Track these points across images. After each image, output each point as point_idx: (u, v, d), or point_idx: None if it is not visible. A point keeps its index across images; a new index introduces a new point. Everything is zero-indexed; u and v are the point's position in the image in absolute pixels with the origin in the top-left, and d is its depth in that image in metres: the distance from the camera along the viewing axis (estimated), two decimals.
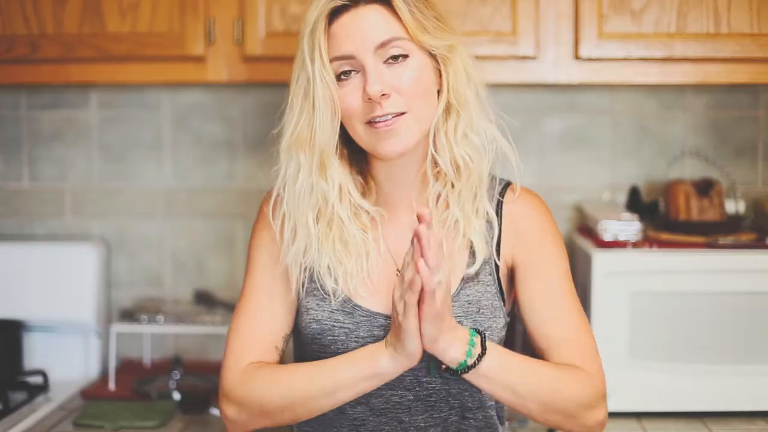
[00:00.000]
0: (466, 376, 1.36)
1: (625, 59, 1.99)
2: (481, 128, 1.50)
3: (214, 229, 2.41)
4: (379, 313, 1.46)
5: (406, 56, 1.42)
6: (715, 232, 2.10)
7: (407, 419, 1.48)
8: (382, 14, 1.42)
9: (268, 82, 2.11)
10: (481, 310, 1.47)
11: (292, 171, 1.48)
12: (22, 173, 2.44)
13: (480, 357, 1.35)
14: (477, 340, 1.36)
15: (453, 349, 1.34)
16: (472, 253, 1.50)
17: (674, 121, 2.35)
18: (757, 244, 2.06)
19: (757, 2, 1.96)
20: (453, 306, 1.43)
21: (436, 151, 1.48)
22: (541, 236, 1.54)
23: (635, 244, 2.05)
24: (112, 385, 2.20)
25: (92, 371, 2.31)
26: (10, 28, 2.03)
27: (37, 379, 2.17)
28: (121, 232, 2.43)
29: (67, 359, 2.30)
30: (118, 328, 2.26)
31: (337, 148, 1.48)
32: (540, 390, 1.39)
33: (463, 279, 1.48)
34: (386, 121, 1.40)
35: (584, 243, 2.12)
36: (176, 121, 2.40)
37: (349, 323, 1.45)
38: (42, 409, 2.05)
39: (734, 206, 2.21)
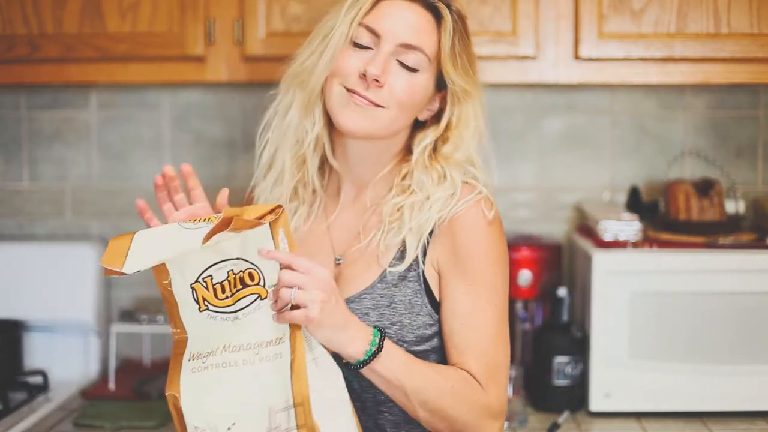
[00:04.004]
0: (362, 371, 1.37)
1: (625, 59, 1.99)
2: (459, 170, 1.51)
3: None
4: None
5: (416, 70, 1.47)
6: (715, 232, 2.10)
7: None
8: (428, 23, 1.47)
9: (268, 82, 2.11)
10: (394, 305, 1.46)
11: (285, 104, 1.55)
12: (22, 173, 2.44)
13: (375, 354, 1.35)
14: (378, 339, 1.36)
15: (351, 347, 1.35)
16: (402, 252, 1.49)
17: (674, 121, 2.35)
18: (757, 244, 2.06)
19: (757, 2, 1.96)
20: (365, 298, 1.46)
21: (412, 161, 1.53)
22: (471, 248, 1.47)
23: (635, 244, 2.05)
24: (112, 385, 2.20)
25: (92, 371, 2.31)
26: (10, 28, 2.03)
27: (37, 379, 2.17)
28: (121, 232, 2.40)
29: (67, 359, 2.30)
30: (118, 328, 2.26)
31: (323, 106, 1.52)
32: (430, 398, 1.39)
33: (382, 275, 1.48)
34: (363, 98, 1.45)
35: (584, 243, 2.12)
36: (176, 121, 2.40)
37: None
38: (42, 409, 2.05)
39: (734, 206, 2.21)
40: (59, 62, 2.04)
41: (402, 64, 1.46)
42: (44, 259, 2.29)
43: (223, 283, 1.33)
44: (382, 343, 1.36)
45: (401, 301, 1.47)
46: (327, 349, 1.35)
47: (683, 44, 1.97)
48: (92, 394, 2.17)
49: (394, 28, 1.45)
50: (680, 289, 1.99)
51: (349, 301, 1.45)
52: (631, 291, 1.99)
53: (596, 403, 2.02)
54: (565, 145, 2.36)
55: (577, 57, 1.99)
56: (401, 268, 1.47)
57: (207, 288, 1.33)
